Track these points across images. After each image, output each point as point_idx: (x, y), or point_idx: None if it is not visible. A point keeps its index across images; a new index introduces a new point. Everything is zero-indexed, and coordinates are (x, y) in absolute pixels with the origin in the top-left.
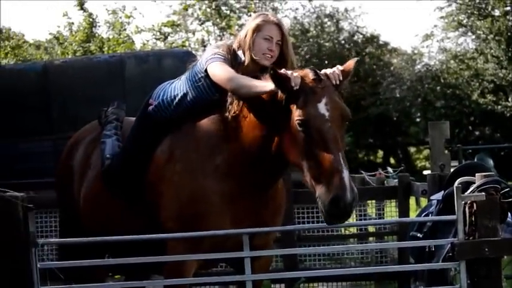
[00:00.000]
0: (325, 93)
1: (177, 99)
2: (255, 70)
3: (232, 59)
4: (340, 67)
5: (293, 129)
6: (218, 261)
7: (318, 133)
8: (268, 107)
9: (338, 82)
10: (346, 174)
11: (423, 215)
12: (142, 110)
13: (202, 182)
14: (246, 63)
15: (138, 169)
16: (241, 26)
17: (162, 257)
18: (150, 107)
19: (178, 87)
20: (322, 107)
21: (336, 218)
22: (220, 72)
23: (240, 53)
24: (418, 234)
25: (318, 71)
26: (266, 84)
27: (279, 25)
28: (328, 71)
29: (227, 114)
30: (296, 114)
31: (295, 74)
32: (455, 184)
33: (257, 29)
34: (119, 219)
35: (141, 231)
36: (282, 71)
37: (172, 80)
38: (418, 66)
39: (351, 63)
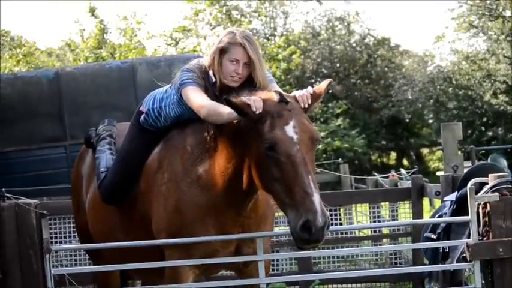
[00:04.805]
0: (292, 115)
1: (163, 112)
2: (230, 89)
3: (206, 80)
4: (310, 89)
5: (261, 153)
6: (217, 269)
7: (286, 156)
8: (238, 132)
9: (306, 105)
10: (316, 197)
11: (437, 216)
12: (134, 117)
13: (186, 193)
14: (217, 85)
15: (130, 177)
16: (251, 30)
17: (167, 262)
18: (141, 116)
19: (165, 100)
20: (290, 130)
21: (307, 243)
22: (192, 99)
23: (211, 73)
24: (432, 236)
25: (284, 93)
26: (233, 112)
27: (244, 47)
28: (297, 93)
29: (206, 134)
30: (264, 137)
31: (254, 97)
32: (469, 185)
33: (223, 51)
34: (118, 231)
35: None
36: (241, 98)
37: (163, 88)
38: (430, 68)
39: (322, 86)
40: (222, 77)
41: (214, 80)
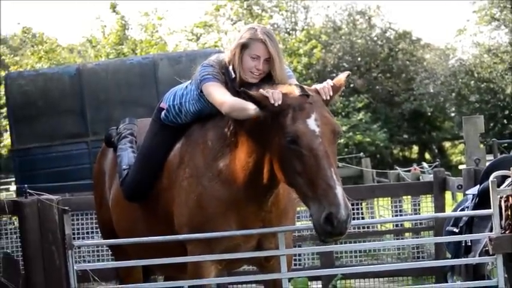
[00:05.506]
0: (314, 108)
1: (184, 108)
2: (250, 85)
3: (226, 75)
4: (330, 82)
5: (283, 147)
6: (239, 264)
7: (308, 149)
8: (259, 125)
9: (328, 97)
10: (339, 190)
11: (459, 209)
12: (155, 114)
13: (207, 187)
14: (237, 80)
15: (152, 174)
16: (272, 25)
17: (189, 257)
18: (162, 112)
19: (185, 96)
20: (312, 123)
21: (330, 236)
22: (213, 94)
23: (231, 68)
24: (455, 229)
25: (305, 87)
26: (255, 107)
27: (265, 43)
28: (319, 86)
29: (226, 129)
30: (285, 131)
31: (273, 90)
32: (491, 178)
33: (244, 47)
34: (141, 228)
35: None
36: (259, 91)
37: (183, 84)
38: (452, 61)
39: (342, 78)
40: (242, 72)
41: (234, 75)
